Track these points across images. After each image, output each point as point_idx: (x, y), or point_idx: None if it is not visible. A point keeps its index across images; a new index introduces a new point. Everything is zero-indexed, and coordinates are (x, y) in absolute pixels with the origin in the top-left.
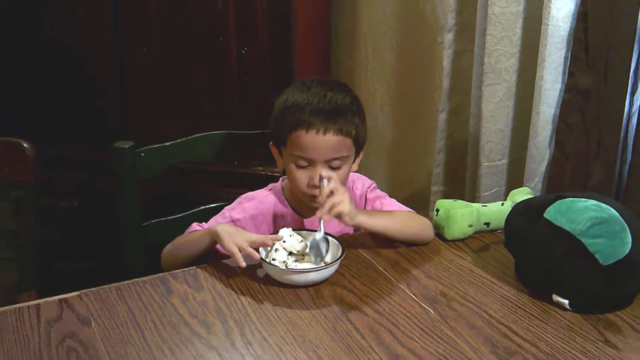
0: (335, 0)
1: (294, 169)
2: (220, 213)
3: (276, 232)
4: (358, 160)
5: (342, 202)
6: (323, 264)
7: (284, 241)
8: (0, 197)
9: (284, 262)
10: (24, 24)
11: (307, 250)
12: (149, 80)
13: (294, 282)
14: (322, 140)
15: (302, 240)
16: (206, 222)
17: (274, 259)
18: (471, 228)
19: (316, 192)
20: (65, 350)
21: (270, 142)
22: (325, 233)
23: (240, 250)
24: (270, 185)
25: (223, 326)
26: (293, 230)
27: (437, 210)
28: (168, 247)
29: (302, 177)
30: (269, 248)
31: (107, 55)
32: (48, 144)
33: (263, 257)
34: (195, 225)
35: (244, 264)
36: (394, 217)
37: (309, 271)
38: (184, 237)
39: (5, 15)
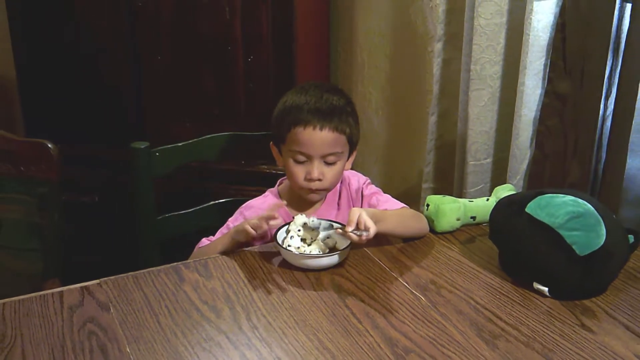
0: (334, 12)
1: (293, 164)
2: (224, 225)
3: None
4: (352, 159)
5: (370, 233)
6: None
7: (299, 230)
8: (27, 193)
9: (298, 247)
10: (50, 36)
11: (320, 238)
12: (163, 86)
13: (308, 266)
14: (319, 136)
15: (315, 229)
16: (213, 235)
17: (289, 245)
18: (459, 221)
19: (312, 185)
20: (87, 334)
21: (271, 142)
22: (335, 222)
23: (256, 230)
24: (266, 192)
25: (231, 311)
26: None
27: (427, 205)
28: None
29: (299, 171)
30: (285, 235)
31: (125, 63)
32: (71, 144)
33: (280, 243)
34: (204, 240)
35: (253, 232)
36: (396, 219)
37: (322, 256)
38: (204, 249)
39: (35, 28)
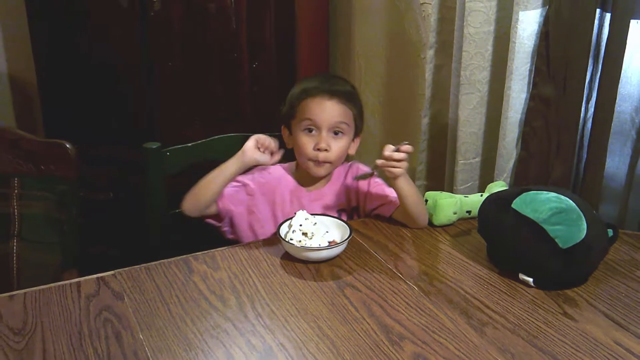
0: (333, 21)
1: (302, 135)
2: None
3: (281, 200)
4: (356, 145)
5: (403, 166)
6: (334, 243)
7: (301, 224)
8: (47, 191)
9: (300, 241)
10: (68, 44)
11: (320, 232)
12: (174, 90)
13: (309, 258)
14: (328, 104)
15: (315, 223)
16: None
17: (291, 239)
18: (455, 215)
19: (320, 155)
20: (102, 321)
21: (282, 126)
22: (334, 217)
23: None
24: (277, 165)
25: (237, 300)
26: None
27: (426, 201)
28: (188, 194)
29: (308, 142)
30: (287, 229)
31: (138, 68)
32: (87, 145)
33: (283, 237)
34: None
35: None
36: (417, 192)
37: (322, 249)
38: (204, 177)
39: (54, 35)
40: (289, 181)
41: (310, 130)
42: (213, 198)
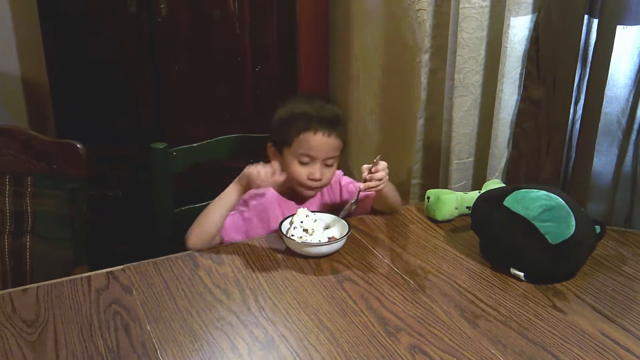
0: (333, 27)
1: (297, 165)
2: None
3: (274, 216)
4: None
5: (385, 181)
6: (333, 239)
7: (301, 221)
8: (59, 188)
9: (301, 237)
10: (79, 47)
11: (320, 228)
12: (179, 92)
13: (309, 253)
14: (326, 142)
15: (315, 220)
16: None
17: (292, 235)
18: (457, 210)
19: (314, 184)
20: (112, 314)
21: (269, 144)
22: (333, 215)
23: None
24: None
25: (241, 294)
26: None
27: (428, 198)
28: (192, 228)
29: (303, 172)
30: (289, 226)
31: (146, 72)
32: (98, 145)
33: (284, 233)
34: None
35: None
36: (392, 188)
37: (322, 245)
38: (206, 209)
39: (65, 39)
40: (278, 197)
41: (305, 161)
42: (218, 228)
